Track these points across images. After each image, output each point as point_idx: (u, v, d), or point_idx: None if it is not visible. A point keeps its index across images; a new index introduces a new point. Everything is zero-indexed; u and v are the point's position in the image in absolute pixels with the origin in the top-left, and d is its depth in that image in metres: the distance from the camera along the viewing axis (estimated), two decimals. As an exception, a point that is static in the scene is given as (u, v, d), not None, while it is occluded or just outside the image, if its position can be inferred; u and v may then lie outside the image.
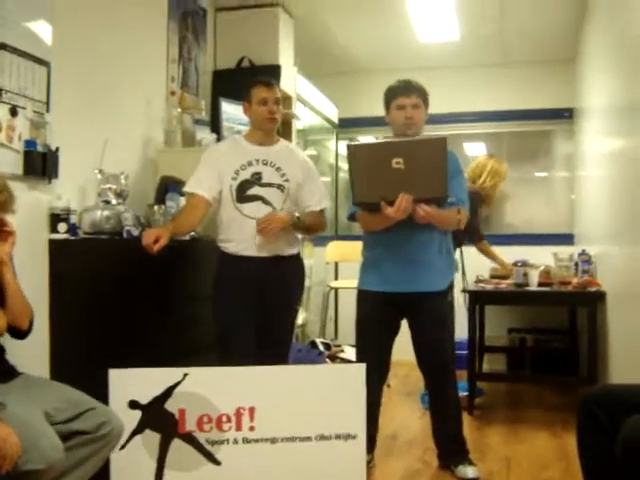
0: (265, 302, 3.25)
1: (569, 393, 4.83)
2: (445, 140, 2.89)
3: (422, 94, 3.19)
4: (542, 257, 4.75)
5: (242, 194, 3.22)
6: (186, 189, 3.28)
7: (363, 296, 3.26)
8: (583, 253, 4.51)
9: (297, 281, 3.44)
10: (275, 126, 3.31)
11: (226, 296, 3.24)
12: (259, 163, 3.24)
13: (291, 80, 4.87)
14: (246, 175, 3.22)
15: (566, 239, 5.83)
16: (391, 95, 3.20)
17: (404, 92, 3.15)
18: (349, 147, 2.95)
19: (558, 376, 5.17)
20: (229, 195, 3.22)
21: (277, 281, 3.26)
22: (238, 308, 3.21)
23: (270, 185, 3.24)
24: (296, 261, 3.39)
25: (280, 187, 3.25)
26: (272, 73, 4.54)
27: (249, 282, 3.21)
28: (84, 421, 2.33)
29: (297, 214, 3.23)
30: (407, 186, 2.81)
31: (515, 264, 4.56)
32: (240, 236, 3.20)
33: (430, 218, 2.92)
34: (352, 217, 3.24)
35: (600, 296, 4.13)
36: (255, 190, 3.22)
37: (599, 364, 4.11)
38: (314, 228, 3.46)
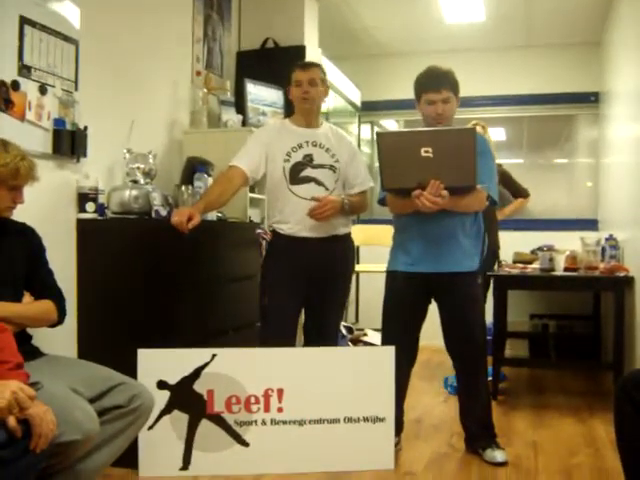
0: (320, 281, 3.27)
1: (592, 379, 4.79)
2: (473, 131, 2.89)
3: (452, 86, 3.10)
4: (564, 242, 4.70)
5: (295, 176, 3.24)
6: (230, 162, 3.25)
7: (391, 277, 3.23)
8: (610, 238, 4.46)
9: (351, 259, 3.50)
10: (311, 106, 3.28)
11: (275, 276, 3.27)
12: (309, 145, 3.27)
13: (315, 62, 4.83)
14: (298, 157, 3.24)
15: (590, 224, 5.77)
16: (421, 89, 3.12)
17: (434, 88, 3.06)
18: (378, 135, 2.94)
19: (581, 362, 5.13)
20: (282, 177, 3.23)
21: (333, 260, 3.30)
22: (286, 289, 3.23)
23: (322, 166, 3.26)
24: (349, 240, 3.43)
25: (332, 168, 3.28)
26: (296, 54, 4.51)
27: (303, 263, 3.23)
28: (115, 395, 2.32)
29: (346, 200, 3.25)
30: (436, 174, 2.81)
31: (541, 249, 4.51)
32: (295, 217, 3.22)
33: (446, 207, 2.90)
34: (382, 201, 3.23)
35: (628, 281, 4.08)
36: (308, 172, 3.24)
37: (625, 350, 4.07)
38: (358, 209, 3.48)
